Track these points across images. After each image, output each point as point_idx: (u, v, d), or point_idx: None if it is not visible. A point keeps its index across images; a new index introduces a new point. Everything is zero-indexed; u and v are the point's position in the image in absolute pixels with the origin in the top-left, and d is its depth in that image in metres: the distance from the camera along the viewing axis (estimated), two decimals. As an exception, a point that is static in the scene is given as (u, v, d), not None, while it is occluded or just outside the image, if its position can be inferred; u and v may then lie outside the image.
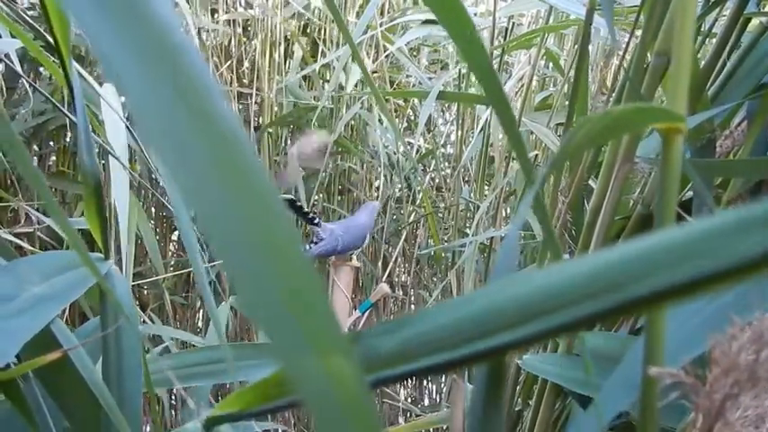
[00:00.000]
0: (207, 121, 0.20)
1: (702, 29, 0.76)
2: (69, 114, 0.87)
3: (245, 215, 0.19)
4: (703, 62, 0.66)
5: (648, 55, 0.55)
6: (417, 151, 1.97)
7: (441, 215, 1.91)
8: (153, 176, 1.64)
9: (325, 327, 0.19)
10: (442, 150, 2.03)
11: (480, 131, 1.54)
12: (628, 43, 0.70)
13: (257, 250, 0.18)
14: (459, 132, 1.71)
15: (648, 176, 0.67)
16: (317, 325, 0.18)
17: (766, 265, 0.15)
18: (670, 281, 0.16)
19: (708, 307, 0.29)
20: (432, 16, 1.44)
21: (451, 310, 0.21)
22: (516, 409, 0.76)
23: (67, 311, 1.44)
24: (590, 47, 1.29)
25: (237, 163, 0.20)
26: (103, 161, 1.16)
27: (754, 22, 0.68)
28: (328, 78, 1.76)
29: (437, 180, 2.01)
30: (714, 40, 0.67)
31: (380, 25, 1.53)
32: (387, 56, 1.62)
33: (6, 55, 0.75)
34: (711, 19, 0.75)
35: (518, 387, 0.77)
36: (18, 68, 0.72)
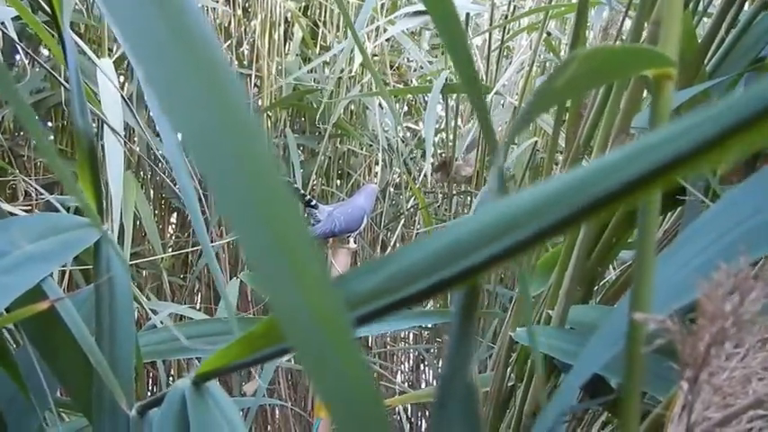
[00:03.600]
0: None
1: (699, 7, 0.76)
2: (67, 85, 0.86)
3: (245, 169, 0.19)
4: (701, 38, 0.66)
5: (645, 26, 0.55)
6: (417, 136, 1.97)
7: (438, 204, 1.90)
8: (152, 156, 1.63)
9: (308, 264, 0.19)
10: (442, 136, 2.03)
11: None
12: (623, 19, 0.70)
13: (250, 194, 0.18)
14: (458, 120, 1.71)
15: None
16: (302, 262, 0.19)
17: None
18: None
19: (697, 257, 0.29)
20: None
21: (429, 244, 0.21)
22: (509, 384, 0.77)
23: (66, 289, 1.44)
24: (588, 31, 1.29)
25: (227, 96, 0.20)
26: (102, 141, 1.16)
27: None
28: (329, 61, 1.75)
29: (436, 165, 2.01)
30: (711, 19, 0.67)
31: (382, 6, 1.52)
32: (387, 39, 1.61)
33: (3, 24, 0.75)
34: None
35: (509, 367, 0.78)
36: (13, 35, 0.72)
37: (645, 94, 0.59)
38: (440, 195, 1.90)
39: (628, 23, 0.75)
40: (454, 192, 1.70)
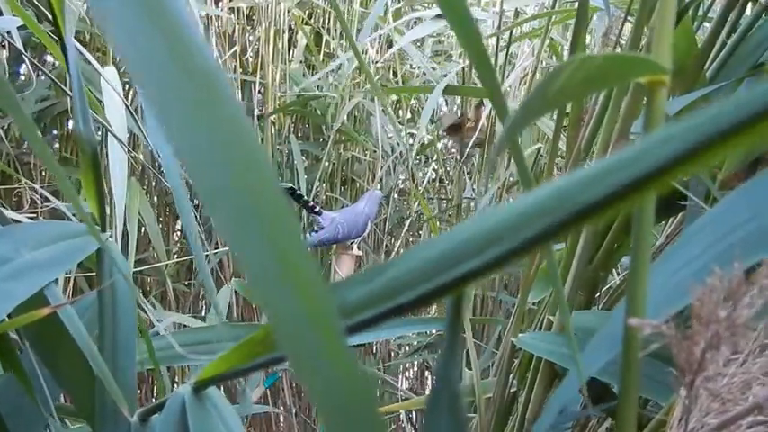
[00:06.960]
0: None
1: (699, 12, 0.76)
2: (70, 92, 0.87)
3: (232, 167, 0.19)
4: (701, 43, 0.66)
5: (645, 30, 0.55)
6: (420, 143, 1.97)
7: (442, 209, 1.90)
8: (157, 163, 1.64)
9: (304, 270, 0.19)
10: (444, 142, 2.03)
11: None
12: (623, 25, 0.70)
13: (241, 199, 0.19)
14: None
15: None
16: (297, 268, 0.19)
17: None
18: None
19: (693, 262, 0.29)
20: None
21: (419, 252, 0.21)
22: (511, 390, 0.77)
23: (70, 296, 1.45)
24: (588, 36, 1.29)
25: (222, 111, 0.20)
26: (106, 149, 1.16)
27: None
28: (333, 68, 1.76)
29: (440, 172, 2.01)
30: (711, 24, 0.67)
31: (386, 15, 1.53)
32: (390, 45, 1.62)
33: (9, 33, 0.75)
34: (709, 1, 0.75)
35: (511, 373, 0.77)
36: (19, 45, 0.73)
37: (645, 99, 0.59)
38: (443, 202, 1.90)
39: (627, 28, 0.75)
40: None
